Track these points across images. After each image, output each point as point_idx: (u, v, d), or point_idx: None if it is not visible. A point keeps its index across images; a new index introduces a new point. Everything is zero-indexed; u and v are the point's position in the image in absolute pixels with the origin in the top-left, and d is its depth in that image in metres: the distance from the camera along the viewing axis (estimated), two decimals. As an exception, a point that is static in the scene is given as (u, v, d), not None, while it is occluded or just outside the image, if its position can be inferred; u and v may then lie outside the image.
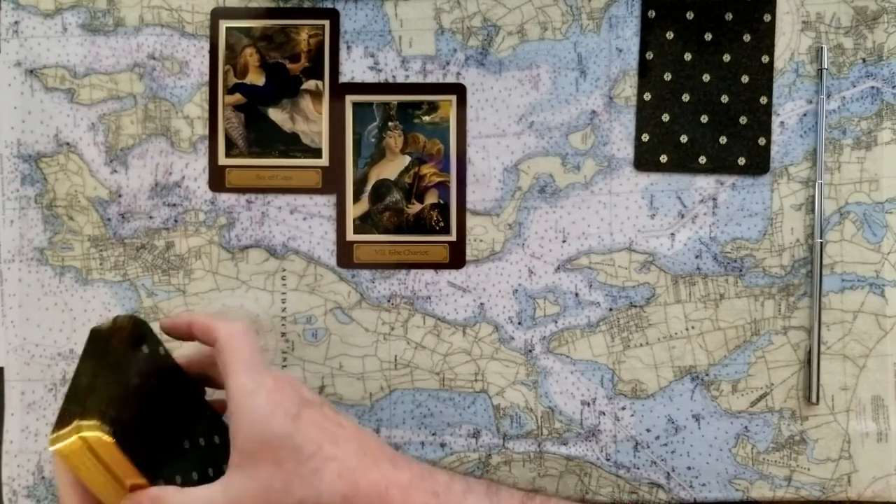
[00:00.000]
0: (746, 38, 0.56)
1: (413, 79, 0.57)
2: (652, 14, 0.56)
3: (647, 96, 0.56)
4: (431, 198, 0.57)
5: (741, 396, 0.56)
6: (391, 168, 0.57)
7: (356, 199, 0.57)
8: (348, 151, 0.57)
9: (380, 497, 0.43)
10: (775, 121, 0.56)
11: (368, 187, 0.57)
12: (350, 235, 0.57)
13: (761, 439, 0.56)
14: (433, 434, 0.57)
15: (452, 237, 0.57)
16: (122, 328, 0.46)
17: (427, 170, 0.57)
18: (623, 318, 0.56)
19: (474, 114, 0.57)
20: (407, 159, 0.57)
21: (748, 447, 0.56)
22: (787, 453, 0.56)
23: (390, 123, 0.57)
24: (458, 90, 0.57)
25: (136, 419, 0.43)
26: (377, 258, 0.57)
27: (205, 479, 0.44)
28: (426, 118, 0.57)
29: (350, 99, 0.57)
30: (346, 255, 0.57)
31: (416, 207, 0.57)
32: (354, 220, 0.57)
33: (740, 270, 0.56)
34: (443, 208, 0.57)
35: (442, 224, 0.57)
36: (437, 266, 0.57)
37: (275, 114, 0.57)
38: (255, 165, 0.57)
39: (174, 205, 0.57)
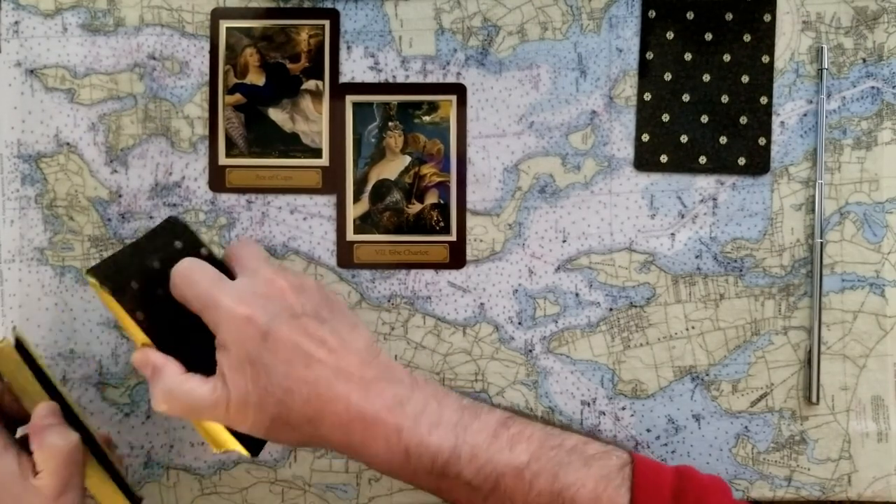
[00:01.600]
0: (746, 38, 0.56)
1: (413, 79, 0.57)
2: (652, 14, 0.56)
3: (648, 96, 0.56)
4: (431, 198, 0.57)
5: (741, 396, 0.56)
6: (391, 168, 0.57)
7: (356, 199, 0.57)
8: (348, 151, 0.57)
9: (342, 428, 0.43)
10: (775, 121, 0.56)
11: (369, 187, 0.57)
12: (350, 235, 0.57)
13: (761, 439, 0.56)
14: (433, 434, 0.57)
15: (452, 237, 0.57)
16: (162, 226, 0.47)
17: (427, 170, 0.57)
18: (623, 318, 0.56)
19: (474, 114, 0.57)
20: (407, 159, 0.57)
21: (748, 447, 0.56)
22: (787, 453, 0.56)
23: (390, 123, 0.57)
24: (458, 90, 0.57)
25: (148, 296, 0.45)
26: (377, 258, 0.57)
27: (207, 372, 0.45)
28: (426, 118, 0.57)
29: (350, 99, 0.57)
30: (346, 255, 0.57)
31: (416, 207, 0.57)
32: (355, 220, 0.57)
33: (740, 270, 0.56)
34: (443, 208, 0.57)
35: (442, 224, 0.57)
36: (437, 266, 0.57)
37: (275, 114, 0.57)
38: (256, 165, 0.57)
39: (174, 205, 0.57)
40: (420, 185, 0.57)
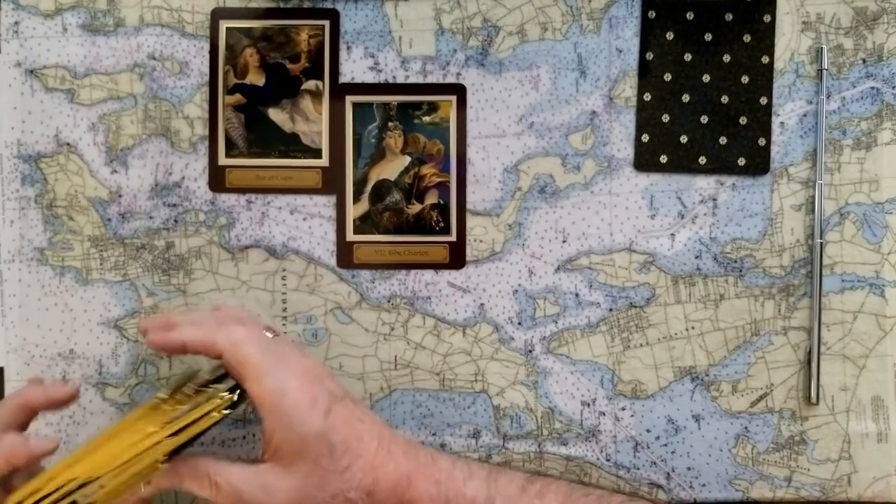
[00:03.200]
0: (746, 38, 0.56)
1: (413, 79, 0.57)
2: (652, 14, 0.56)
3: (647, 97, 0.56)
4: (431, 198, 0.57)
5: (741, 397, 0.56)
6: (391, 168, 0.57)
7: (356, 199, 0.57)
8: (348, 152, 0.57)
9: (393, 490, 0.45)
10: (775, 121, 0.56)
11: (368, 187, 0.57)
12: (350, 236, 0.57)
13: (761, 440, 0.56)
14: (433, 434, 0.57)
15: (452, 237, 0.57)
16: None
17: (427, 170, 0.57)
18: (623, 318, 0.56)
19: (474, 114, 0.57)
20: (407, 159, 0.57)
21: (748, 447, 0.56)
22: (787, 454, 0.56)
23: (390, 124, 0.57)
24: (458, 90, 0.57)
25: None
26: (377, 258, 0.57)
27: None
28: (426, 118, 0.57)
29: (350, 99, 0.57)
30: (346, 256, 0.57)
31: (416, 208, 0.57)
32: (354, 221, 0.57)
33: (740, 271, 0.56)
34: (443, 208, 0.57)
35: (442, 224, 0.57)
36: (437, 266, 0.57)
37: (275, 114, 0.57)
38: (255, 165, 0.57)
39: (174, 205, 0.57)
40: (420, 185, 0.57)
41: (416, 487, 0.46)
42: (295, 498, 0.44)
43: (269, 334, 0.48)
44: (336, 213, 0.57)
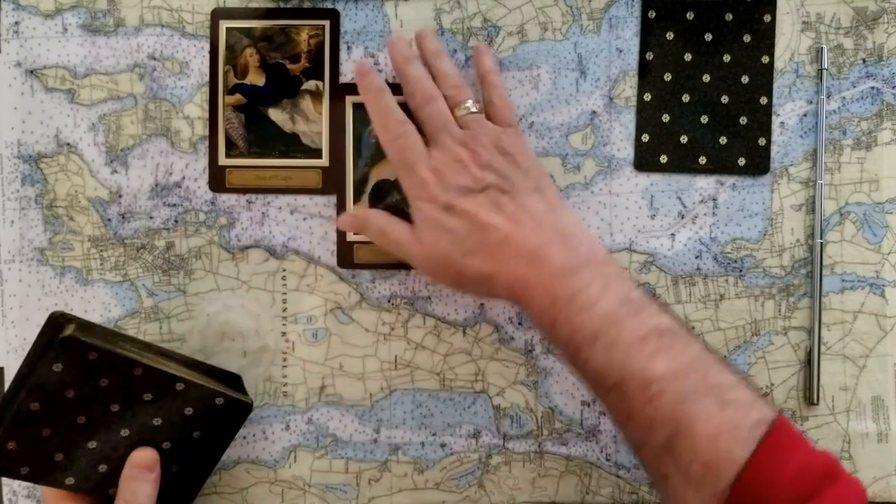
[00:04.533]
0: (746, 38, 0.56)
1: (413, 79, 0.57)
2: (652, 14, 0.57)
3: (648, 97, 0.56)
4: None
5: (741, 397, 0.56)
6: (391, 168, 0.57)
7: (356, 199, 0.57)
8: (348, 152, 0.57)
9: (508, 290, 0.48)
10: (775, 121, 0.56)
11: (369, 187, 0.57)
12: (350, 236, 0.57)
13: (761, 440, 0.56)
14: (433, 434, 0.57)
15: None
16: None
17: None
18: (623, 318, 0.56)
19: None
20: None
21: (748, 447, 0.56)
22: (787, 454, 0.56)
23: None
24: None
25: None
26: (377, 259, 0.57)
27: None
28: None
29: (350, 99, 0.57)
30: (346, 256, 0.57)
31: None
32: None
33: (740, 271, 0.56)
34: None
35: None
36: None
37: (275, 114, 0.57)
38: (255, 166, 0.57)
39: (174, 205, 0.57)
40: None
41: (530, 295, 0.47)
42: (430, 252, 0.49)
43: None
44: (336, 213, 0.57)
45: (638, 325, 0.44)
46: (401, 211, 0.56)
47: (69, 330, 0.45)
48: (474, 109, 0.51)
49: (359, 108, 0.57)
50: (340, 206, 0.57)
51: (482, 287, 0.49)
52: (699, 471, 0.41)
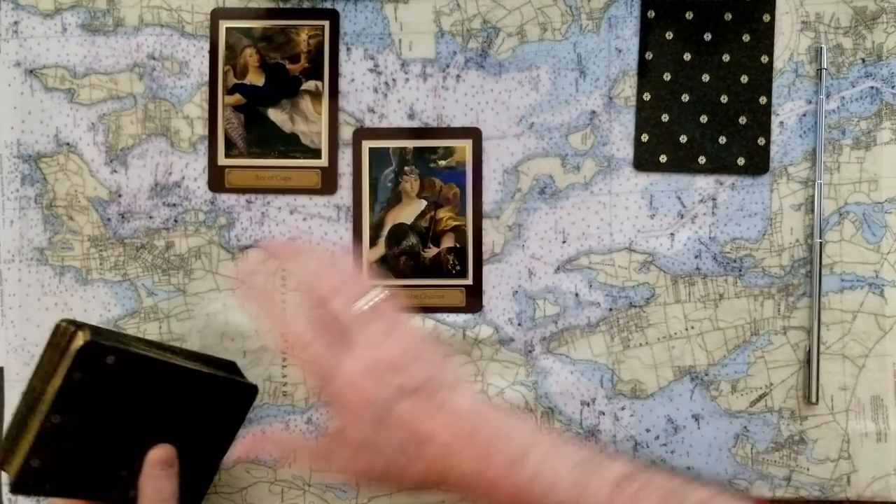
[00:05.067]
0: (746, 38, 0.56)
1: (412, 81, 0.57)
2: (651, 14, 0.57)
3: (647, 96, 0.57)
4: (447, 242, 0.57)
5: (740, 396, 0.56)
6: (407, 212, 0.57)
7: (373, 243, 0.57)
8: (365, 196, 0.57)
9: (464, 489, 0.44)
10: (775, 121, 0.56)
11: (385, 231, 0.57)
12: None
13: (761, 439, 0.56)
14: (433, 434, 0.56)
15: (469, 281, 0.57)
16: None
17: (443, 214, 0.57)
18: (623, 318, 0.56)
19: (474, 116, 0.57)
20: (423, 203, 0.57)
21: (747, 447, 0.56)
22: (786, 453, 0.56)
23: (406, 168, 0.57)
24: (474, 134, 0.57)
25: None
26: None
27: None
28: (442, 162, 0.57)
29: (367, 144, 0.57)
30: None
31: (432, 251, 0.57)
32: (371, 264, 0.57)
33: (740, 270, 0.56)
34: (459, 252, 0.57)
35: (458, 268, 0.57)
36: (453, 310, 0.57)
37: (274, 114, 0.57)
38: (255, 166, 0.57)
39: (174, 205, 0.57)
40: (436, 229, 0.57)
41: (491, 494, 0.44)
42: (354, 466, 0.45)
43: (367, 302, 0.46)
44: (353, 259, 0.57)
45: (603, 483, 0.43)
46: (416, 255, 0.56)
47: (84, 337, 0.45)
48: (381, 297, 0.47)
49: (375, 153, 0.57)
50: (357, 250, 0.56)
51: (436, 487, 0.45)
52: None
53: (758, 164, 0.56)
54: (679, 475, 0.45)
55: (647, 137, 0.57)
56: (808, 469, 0.56)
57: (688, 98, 0.56)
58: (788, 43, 0.56)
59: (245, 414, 0.53)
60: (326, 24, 0.57)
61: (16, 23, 0.57)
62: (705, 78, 0.56)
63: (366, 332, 0.45)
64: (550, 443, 0.44)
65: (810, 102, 0.56)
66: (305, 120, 0.57)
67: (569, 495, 0.43)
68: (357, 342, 0.45)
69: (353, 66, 0.57)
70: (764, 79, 0.56)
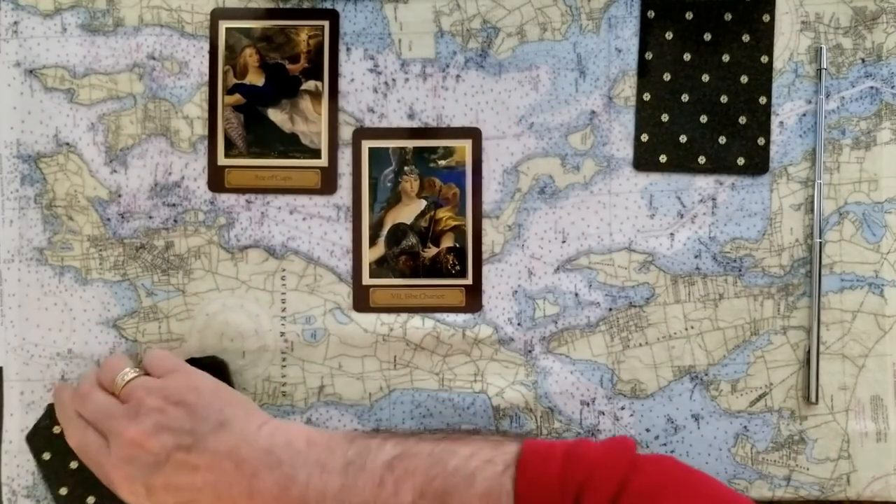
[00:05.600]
0: (745, 38, 0.56)
1: (412, 81, 0.57)
2: (651, 14, 0.57)
3: (647, 96, 0.57)
4: (447, 241, 0.57)
5: (740, 396, 0.56)
6: (407, 212, 0.57)
7: (372, 243, 0.57)
8: (364, 196, 0.57)
9: None
10: (774, 121, 0.56)
11: (384, 231, 0.57)
12: (366, 279, 0.56)
13: (760, 439, 0.56)
14: (432, 434, 0.56)
15: (468, 281, 0.57)
16: None
17: (443, 214, 0.57)
18: (622, 318, 0.56)
19: (474, 116, 0.57)
20: (423, 203, 0.57)
21: (747, 447, 0.56)
22: (786, 453, 0.56)
23: (406, 168, 0.57)
24: (474, 134, 0.57)
25: None
26: (393, 302, 0.57)
27: None
28: (442, 162, 0.57)
29: (366, 144, 0.57)
30: (362, 299, 0.57)
31: (432, 251, 0.57)
32: (371, 264, 0.57)
33: (739, 270, 0.56)
34: (459, 252, 0.57)
35: (458, 268, 0.57)
36: (453, 310, 0.57)
37: (274, 114, 0.57)
38: (255, 166, 0.57)
39: (174, 205, 0.57)
40: (436, 229, 0.57)
41: None
42: None
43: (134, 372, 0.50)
44: (352, 258, 0.57)
45: (370, 477, 0.45)
46: (416, 255, 0.56)
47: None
48: (132, 375, 0.50)
49: (375, 153, 0.57)
50: (356, 250, 0.57)
51: None
52: None
53: (758, 164, 0.56)
54: (449, 436, 0.47)
55: (646, 137, 0.57)
56: (807, 469, 0.56)
57: (688, 98, 0.57)
58: (788, 43, 0.56)
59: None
60: (326, 24, 0.57)
61: (15, 23, 0.57)
62: (705, 78, 0.56)
63: (113, 421, 0.48)
64: (315, 455, 0.46)
65: (810, 102, 0.56)
66: (305, 120, 0.57)
67: (339, 501, 0.45)
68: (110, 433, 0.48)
69: (352, 66, 0.57)
70: (764, 79, 0.56)
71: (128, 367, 0.50)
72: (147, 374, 0.51)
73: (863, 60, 0.56)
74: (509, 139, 0.57)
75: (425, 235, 0.57)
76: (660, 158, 0.56)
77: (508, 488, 0.42)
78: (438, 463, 0.45)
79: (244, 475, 0.46)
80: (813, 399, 0.56)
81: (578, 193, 0.57)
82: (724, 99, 0.56)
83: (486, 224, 0.57)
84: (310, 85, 0.57)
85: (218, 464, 0.46)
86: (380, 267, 0.57)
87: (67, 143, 0.57)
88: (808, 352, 0.56)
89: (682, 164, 0.56)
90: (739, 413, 0.56)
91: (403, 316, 0.57)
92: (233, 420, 0.48)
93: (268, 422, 0.49)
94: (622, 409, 0.56)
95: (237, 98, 0.57)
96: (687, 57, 0.57)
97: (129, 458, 0.47)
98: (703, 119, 0.56)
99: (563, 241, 0.57)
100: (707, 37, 0.57)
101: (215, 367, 0.55)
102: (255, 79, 0.57)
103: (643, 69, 0.57)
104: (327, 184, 0.57)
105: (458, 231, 0.57)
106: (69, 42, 0.57)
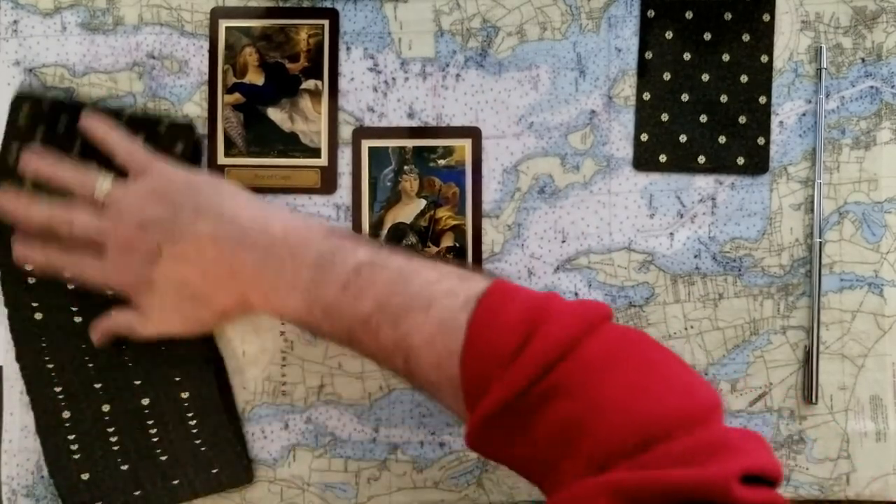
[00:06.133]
0: (745, 37, 0.56)
1: (412, 80, 0.57)
2: (651, 14, 0.57)
3: (647, 96, 0.57)
4: (447, 241, 0.57)
5: (740, 396, 0.56)
6: (407, 212, 0.57)
7: None
8: (364, 195, 0.57)
9: (228, 310, 0.50)
10: (774, 120, 0.56)
11: (385, 231, 0.57)
12: None
13: (760, 439, 0.56)
14: (432, 433, 0.57)
15: None
16: None
17: (443, 213, 0.57)
18: (622, 317, 0.56)
19: (474, 115, 0.57)
20: (423, 203, 0.57)
21: (747, 447, 0.56)
22: (785, 453, 0.56)
23: (406, 167, 0.57)
24: (474, 133, 0.57)
25: None
26: None
27: None
28: (442, 161, 0.57)
29: (366, 143, 0.57)
30: None
31: (432, 251, 0.57)
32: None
33: (739, 270, 0.56)
34: (459, 251, 0.57)
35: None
36: None
37: (274, 113, 0.57)
38: (254, 165, 0.57)
39: (173, 204, 0.57)
40: (435, 228, 0.57)
41: (252, 304, 0.48)
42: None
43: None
44: None
45: (336, 278, 0.45)
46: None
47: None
48: (108, 186, 0.50)
49: (374, 152, 0.57)
50: None
51: (231, 319, 0.51)
52: (435, 376, 0.42)
53: (757, 163, 0.56)
54: (423, 259, 0.46)
55: (646, 137, 0.57)
56: (807, 468, 0.56)
57: (687, 98, 0.56)
58: (788, 43, 0.56)
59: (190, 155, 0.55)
60: (326, 23, 0.57)
61: (15, 22, 0.56)
62: (705, 78, 0.56)
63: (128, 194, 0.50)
64: (288, 247, 0.47)
65: (810, 102, 0.56)
66: (305, 119, 0.57)
67: (309, 295, 0.46)
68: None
69: (352, 66, 0.57)
70: (764, 78, 0.56)
71: (98, 178, 0.50)
72: (118, 173, 0.51)
73: (863, 60, 0.56)
74: (509, 139, 0.57)
75: (425, 235, 0.57)
76: (660, 158, 0.56)
77: (462, 322, 0.41)
78: (403, 280, 0.44)
79: (224, 256, 0.47)
80: (812, 399, 0.56)
81: (578, 193, 0.57)
82: (724, 99, 0.56)
83: (486, 223, 0.57)
84: (309, 84, 0.57)
85: (201, 249, 0.48)
86: None
87: (67, 143, 0.57)
88: (808, 351, 0.56)
89: (682, 163, 0.56)
90: (739, 413, 0.56)
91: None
92: (208, 206, 0.48)
93: (246, 205, 0.49)
94: (622, 408, 0.56)
95: (237, 97, 0.57)
96: (687, 56, 0.57)
97: (126, 262, 0.49)
98: (703, 119, 0.56)
99: (563, 241, 0.57)
100: (707, 36, 0.56)
101: (182, 130, 0.55)
102: (255, 78, 0.57)
103: (643, 69, 0.57)
104: (327, 183, 0.57)
105: (458, 230, 0.57)
106: (69, 41, 0.57)
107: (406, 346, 0.43)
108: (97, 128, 0.53)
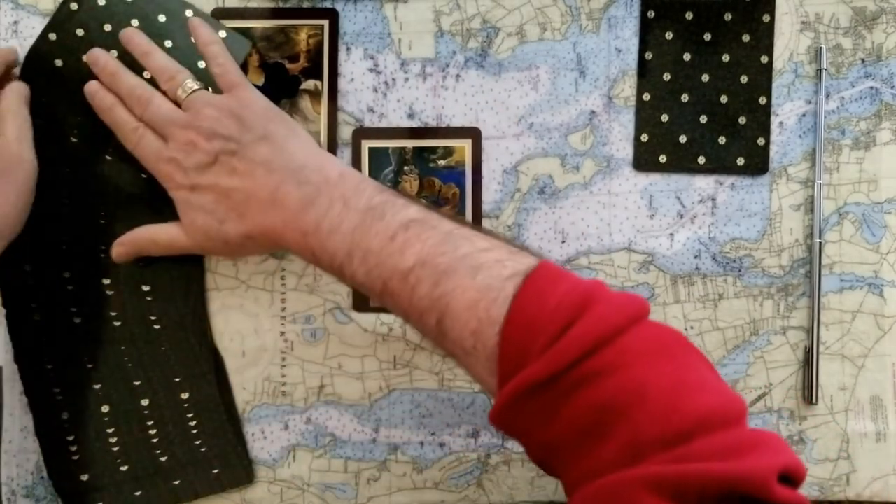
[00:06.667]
0: (745, 38, 0.56)
1: (412, 81, 0.57)
2: (651, 14, 0.57)
3: (647, 96, 0.57)
4: None
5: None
6: None
7: None
8: None
9: (265, 239, 0.50)
10: (774, 121, 0.56)
11: None
12: None
13: (760, 439, 0.56)
14: (432, 434, 0.57)
15: None
16: None
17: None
18: (622, 318, 0.56)
19: (474, 116, 0.57)
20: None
21: (747, 447, 0.56)
22: (785, 453, 0.56)
23: (406, 168, 0.57)
24: (474, 134, 0.57)
25: None
26: None
27: None
28: (442, 162, 0.57)
29: (366, 144, 0.57)
30: (362, 299, 0.56)
31: None
32: None
33: (739, 270, 0.56)
34: None
35: None
36: None
37: (274, 114, 0.57)
38: (255, 165, 0.57)
39: (173, 205, 0.57)
40: None
41: (285, 237, 0.48)
42: (197, 236, 0.51)
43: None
44: None
45: (384, 228, 0.45)
46: None
47: None
48: (196, 87, 0.52)
49: (374, 153, 0.57)
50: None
51: (250, 246, 0.51)
52: (470, 342, 0.42)
53: (757, 164, 0.56)
54: (475, 226, 0.47)
55: (646, 137, 0.57)
56: (807, 469, 0.56)
57: (687, 98, 0.56)
58: (788, 43, 0.56)
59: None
60: (326, 23, 0.57)
61: (15, 22, 0.56)
62: (705, 78, 0.56)
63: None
64: (341, 190, 0.47)
65: (810, 103, 0.56)
66: (305, 119, 0.57)
67: (352, 239, 0.46)
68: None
69: (352, 66, 0.57)
70: (764, 79, 0.56)
71: (189, 79, 0.52)
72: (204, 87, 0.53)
73: (863, 61, 0.56)
74: (509, 139, 0.57)
75: None
76: (659, 158, 0.56)
77: (508, 293, 0.41)
78: (452, 242, 0.44)
79: (270, 184, 0.48)
80: (812, 399, 0.56)
81: (578, 193, 0.57)
82: (724, 99, 0.56)
83: (486, 224, 0.57)
84: (309, 84, 0.57)
85: (253, 170, 0.49)
86: None
87: (67, 143, 0.57)
88: (808, 352, 0.56)
89: (682, 164, 0.57)
90: (739, 413, 0.56)
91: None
92: (275, 136, 0.50)
93: (309, 145, 0.51)
94: (622, 409, 0.56)
95: (237, 98, 0.57)
96: (687, 57, 0.57)
97: (183, 158, 0.50)
98: (703, 119, 0.56)
99: (563, 241, 0.57)
100: (707, 37, 0.56)
101: (236, 42, 0.56)
102: (255, 78, 0.57)
103: (643, 69, 0.57)
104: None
105: None
106: (69, 42, 0.57)
107: (443, 306, 0.43)
108: (140, 43, 0.54)
